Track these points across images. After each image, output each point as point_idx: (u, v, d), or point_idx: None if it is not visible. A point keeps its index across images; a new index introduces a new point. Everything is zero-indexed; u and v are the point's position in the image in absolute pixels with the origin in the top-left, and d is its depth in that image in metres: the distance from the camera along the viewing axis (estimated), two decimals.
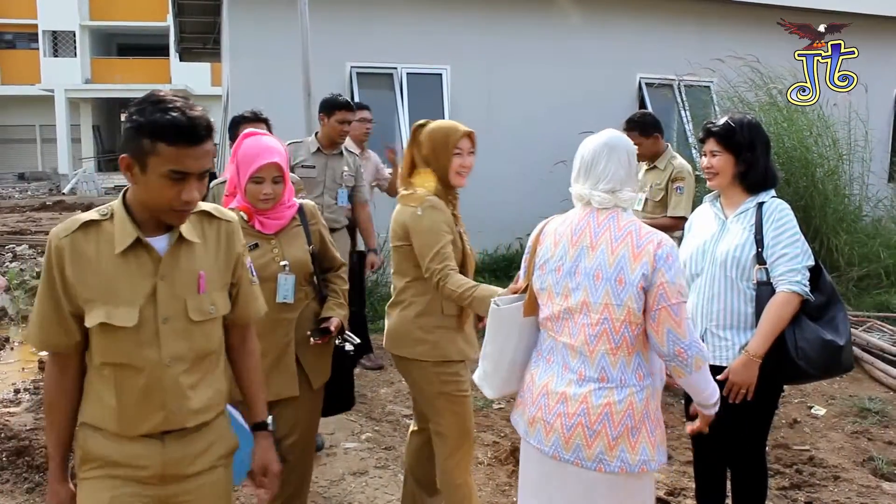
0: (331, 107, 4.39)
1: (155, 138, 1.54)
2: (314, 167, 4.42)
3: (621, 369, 1.97)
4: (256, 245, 2.45)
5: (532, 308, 2.15)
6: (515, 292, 2.27)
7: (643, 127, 4.48)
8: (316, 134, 4.52)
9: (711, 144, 2.61)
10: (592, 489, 1.98)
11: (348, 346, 2.62)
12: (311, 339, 2.53)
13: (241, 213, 2.43)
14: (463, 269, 2.64)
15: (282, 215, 2.52)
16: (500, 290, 2.46)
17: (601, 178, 2.03)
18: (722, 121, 2.61)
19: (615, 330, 1.95)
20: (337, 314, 2.60)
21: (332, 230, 3.71)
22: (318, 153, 4.45)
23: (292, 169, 4.20)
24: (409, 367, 2.69)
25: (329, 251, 2.70)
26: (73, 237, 1.63)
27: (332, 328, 2.55)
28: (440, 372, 2.63)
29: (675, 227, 4.19)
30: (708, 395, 2.08)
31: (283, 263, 2.47)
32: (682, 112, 8.24)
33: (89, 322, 1.62)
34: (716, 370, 2.26)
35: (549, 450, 2.02)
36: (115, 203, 1.69)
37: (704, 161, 2.65)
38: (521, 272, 2.25)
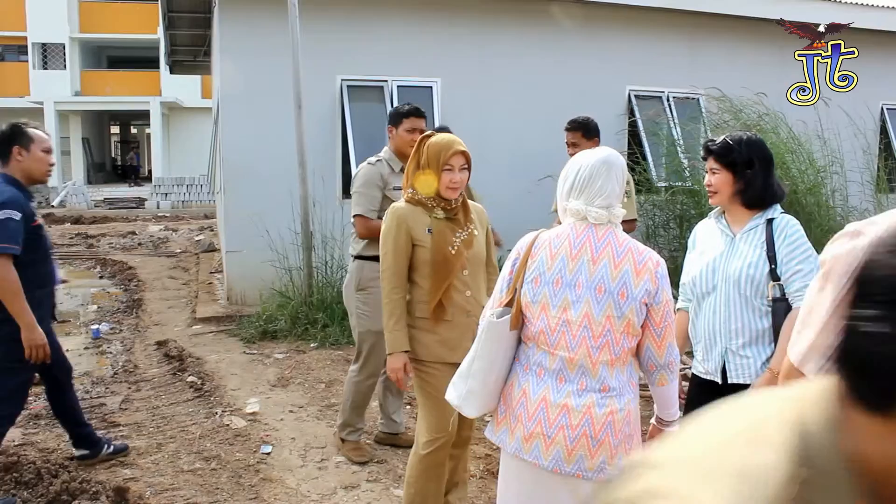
0: (398, 115, 3.95)
1: None
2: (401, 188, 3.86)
3: (618, 378, 2.05)
4: None
5: (517, 321, 2.17)
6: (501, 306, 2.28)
7: (587, 129, 4.53)
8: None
9: (711, 162, 2.64)
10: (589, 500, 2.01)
11: None
12: None
13: None
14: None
15: None
16: (404, 355, 2.75)
17: (599, 194, 2.09)
18: (720, 139, 2.64)
19: (616, 342, 2.03)
20: None
21: None
22: (402, 172, 3.74)
23: (385, 195, 3.84)
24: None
25: None
26: None
27: None
28: (415, 367, 2.84)
29: (628, 230, 4.27)
30: (677, 407, 2.20)
31: None
32: (672, 124, 8.30)
33: None
34: (738, 389, 2.30)
35: (549, 464, 2.02)
36: None
37: (707, 179, 2.69)
38: (505, 286, 2.24)
